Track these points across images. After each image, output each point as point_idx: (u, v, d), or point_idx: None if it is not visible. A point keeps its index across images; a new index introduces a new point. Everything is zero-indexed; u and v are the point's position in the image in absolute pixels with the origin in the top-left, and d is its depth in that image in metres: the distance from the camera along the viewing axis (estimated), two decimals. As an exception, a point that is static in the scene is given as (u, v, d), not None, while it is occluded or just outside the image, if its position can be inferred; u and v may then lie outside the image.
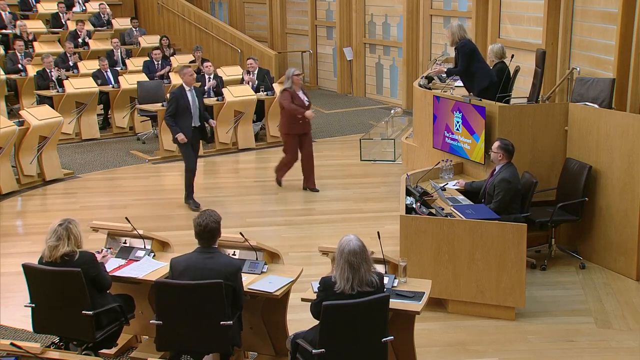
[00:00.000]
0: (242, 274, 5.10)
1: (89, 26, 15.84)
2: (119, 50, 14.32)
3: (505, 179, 6.55)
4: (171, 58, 14.29)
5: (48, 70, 12.11)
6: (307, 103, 9.21)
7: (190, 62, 13.81)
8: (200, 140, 9.12)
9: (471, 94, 8.12)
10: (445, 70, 8.81)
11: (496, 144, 6.72)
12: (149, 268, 5.30)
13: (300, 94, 9.21)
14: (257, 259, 5.30)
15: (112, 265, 5.34)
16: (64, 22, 16.19)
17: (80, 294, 4.72)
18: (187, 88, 8.48)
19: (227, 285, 4.57)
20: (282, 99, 9.20)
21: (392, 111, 12.70)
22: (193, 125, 8.54)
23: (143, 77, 12.56)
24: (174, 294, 4.61)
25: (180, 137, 8.41)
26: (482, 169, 7.56)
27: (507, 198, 6.52)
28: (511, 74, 8.47)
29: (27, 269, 4.81)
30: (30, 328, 5.00)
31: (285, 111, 9.17)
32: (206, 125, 8.94)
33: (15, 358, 3.89)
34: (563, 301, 6.39)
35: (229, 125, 11.46)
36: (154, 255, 5.49)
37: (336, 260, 4.38)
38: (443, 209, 6.46)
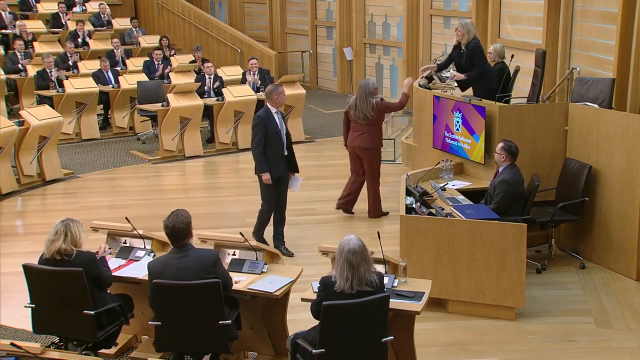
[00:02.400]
0: (242, 274, 5.13)
1: (89, 26, 15.84)
2: (119, 50, 14.31)
3: (505, 180, 6.55)
4: (171, 58, 14.29)
5: (48, 70, 12.11)
6: None
7: (190, 62, 13.82)
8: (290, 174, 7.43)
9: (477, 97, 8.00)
10: (455, 77, 8.23)
11: (499, 145, 6.70)
12: (149, 268, 5.29)
13: None
14: (257, 259, 5.30)
15: (112, 265, 5.34)
16: (64, 22, 16.19)
17: (81, 294, 4.72)
18: (273, 110, 7.14)
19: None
20: (384, 107, 8.15)
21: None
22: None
23: (143, 77, 12.55)
24: (172, 294, 4.61)
25: (266, 177, 7.09)
26: (482, 169, 7.56)
27: (507, 200, 6.51)
28: (511, 74, 8.48)
29: (28, 269, 4.81)
30: (30, 328, 5.00)
31: (378, 126, 8.13)
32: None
33: (15, 358, 3.89)
34: (563, 301, 6.39)
35: (229, 125, 11.47)
36: (154, 255, 5.48)
37: (336, 259, 4.38)
38: (443, 209, 6.46)
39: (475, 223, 6.03)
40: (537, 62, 8.50)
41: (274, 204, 7.28)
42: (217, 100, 11.49)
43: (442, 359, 5.52)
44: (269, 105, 7.15)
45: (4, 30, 15.30)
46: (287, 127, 7.42)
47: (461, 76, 8.16)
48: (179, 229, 4.68)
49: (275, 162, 7.11)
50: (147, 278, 5.12)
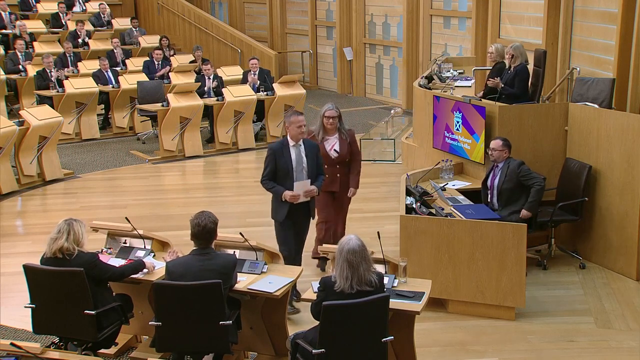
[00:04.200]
0: (242, 274, 5.14)
1: (89, 26, 15.84)
2: (119, 50, 14.31)
3: (520, 162, 6.69)
4: (171, 58, 14.29)
5: (48, 71, 12.11)
6: (334, 155, 6.67)
7: (190, 62, 13.81)
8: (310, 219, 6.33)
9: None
10: (502, 86, 7.98)
11: (499, 143, 6.76)
12: (149, 268, 5.29)
13: (331, 142, 6.69)
14: (257, 259, 5.30)
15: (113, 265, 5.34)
16: (64, 22, 16.19)
17: (82, 293, 4.72)
18: (291, 143, 6.07)
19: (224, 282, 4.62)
20: None
21: (392, 111, 12.71)
22: None
23: (143, 77, 12.55)
24: (173, 295, 4.61)
25: (287, 194, 5.95)
26: (482, 169, 7.55)
27: (536, 174, 6.69)
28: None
29: (28, 270, 4.81)
30: (30, 328, 4.99)
31: None
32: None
33: (15, 358, 3.89)
34: (563, 301, 6.39)
35: (229, 125, 11.47)
36: (154, 255, 5.50)
37: (336, 259, 4.39)
38: (443, 209, 6.46)
39: (475, 223, 6.03)
40: (537, 62, 8.50)
41: (291, 245, 6.11)
42: (217, 100, 11.49)
43: (442, 359, 5.52)
44: (288, 137, 6.11)
45: (4, 30, 15.30)
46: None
47: (501, 85, 7.96)
48: (209, 229, 4.70)
49: (281, 203, 6.04)
50: (147, 278, 5.15)
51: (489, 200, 6.89)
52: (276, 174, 6.06)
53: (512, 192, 6.69)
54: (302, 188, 6.01)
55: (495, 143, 6.80)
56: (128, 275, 5.07)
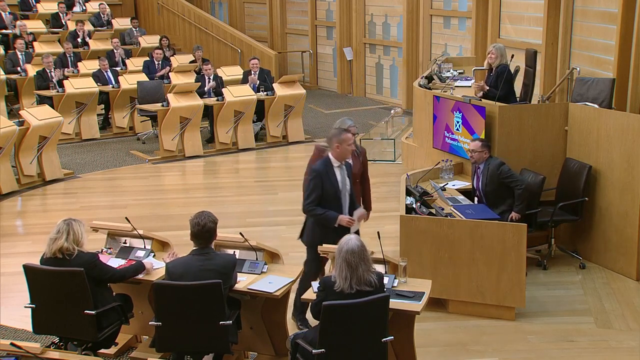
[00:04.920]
0: (242, 274, 5.14)
1: (89, 26, 15.85)
2: (119, 51, 14.31)
3: (500, 163, 6.70)
4: (171, 58, 14.29)
5: (48, 71, 12.11)
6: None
7: (190, 62, 13.81)
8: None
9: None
10: (487, 89, 8.02)
11: (478, 144, 6.82)
12: (149, 268, 5.28)
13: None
14: (257, 259, 5.30)
15: (113, 265, 5.33)
16: (64, 22, 16.19)
17: (82, 293, 4.72)
18: (335, 164, 5.55)
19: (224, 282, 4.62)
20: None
21: (392, 111, 12.71)
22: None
23: (143, 77, 12.55)
24: (173, 295, 4.61)
25: (346, 219, 5.50)
26: (482, 169, 7.56)
27: (518, 174, 6.73)
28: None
29: (28, 270, 4.81)
30: (30, 328, 4.99)
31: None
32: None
33: (15, 358, 3.89)
34: (563, 301, 6.39)
35: (229, 125, 11.47)
36: (154, 255, 5.49)
37: (335, 259, 4.39)
38: (443, 209, 6.46)
39: (475, 223, 6.03)
40: (528, 62, 8.51)
41: (316, 270, 5.74)
42: (217, 100, 11.49)
43: (442, 359, 5.52)
44: (330, 156, 5.58)
45: (4, 30, 15.30)
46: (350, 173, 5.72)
47: (486, 87, 8.01)
48: (209, 228, 4.69)
49: (329, 230, 5.51)
50: (147, 278, 5.15)
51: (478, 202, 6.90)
52: (323, 199, 5.51)
53: (497, 193, 6.70)
54: (357, 215, 5.64)
55: (474, 144, 6.83)
56: (129, 277, 5.07)
